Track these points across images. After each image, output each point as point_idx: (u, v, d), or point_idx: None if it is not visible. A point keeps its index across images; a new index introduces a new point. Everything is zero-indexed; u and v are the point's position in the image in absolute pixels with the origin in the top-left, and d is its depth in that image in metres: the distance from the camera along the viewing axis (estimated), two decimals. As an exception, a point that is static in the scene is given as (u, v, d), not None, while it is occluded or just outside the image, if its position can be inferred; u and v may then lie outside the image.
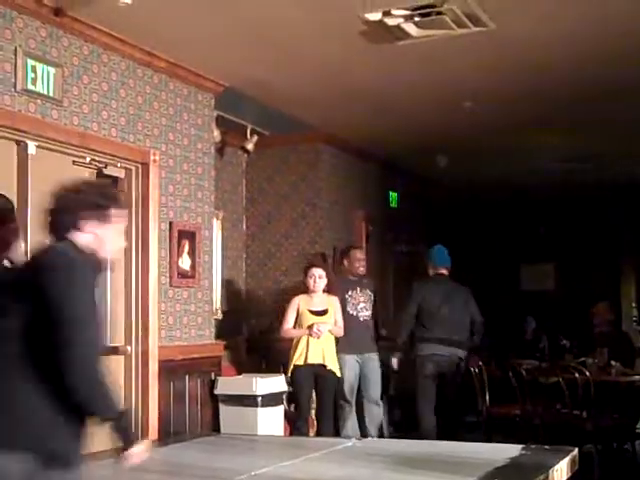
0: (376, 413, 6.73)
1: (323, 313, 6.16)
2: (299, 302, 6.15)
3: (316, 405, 6.24)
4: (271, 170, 7.74)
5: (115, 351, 5.20)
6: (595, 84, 6.13)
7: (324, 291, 6.21)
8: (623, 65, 5.71)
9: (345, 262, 6.90)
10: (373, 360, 6.71)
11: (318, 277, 6.14)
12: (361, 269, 6.85)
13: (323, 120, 7.19)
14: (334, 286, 6.41)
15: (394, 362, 6.90)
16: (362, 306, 6.72)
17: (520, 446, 4.34)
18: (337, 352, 6.30)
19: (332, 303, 6.22)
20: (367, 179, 8.53)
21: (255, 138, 7.10)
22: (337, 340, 6.29)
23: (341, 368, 6.34)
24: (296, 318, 6.13)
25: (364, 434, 6.37)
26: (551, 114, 7.03)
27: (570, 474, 4.02)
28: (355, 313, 6.64)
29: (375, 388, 6.71)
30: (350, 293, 6.70)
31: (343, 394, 6.51)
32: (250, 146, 7.10)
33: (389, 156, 8.58)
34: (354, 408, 6.62)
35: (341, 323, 6.25)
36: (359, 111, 6.97)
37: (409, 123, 7.38)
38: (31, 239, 4.58)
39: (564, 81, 6.12)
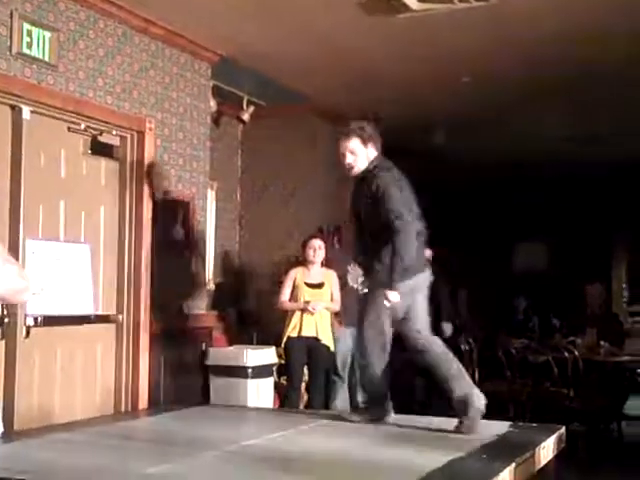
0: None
1: (319, 286, 6.17)
2: (296, 274, 6.16)
3: (308, 378, 6.27)
4: (267, 141, 7.72)
5: (106, 319, 5.22)
6: (595, 61, 6.13)
7: (322, 265, 6.21)
8: (625, 43, 5.70)
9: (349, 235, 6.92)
10: None
11: (317, 247, 6.14)
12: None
13: (320, 93, 7.17)
14: (332, 260, 6.42)
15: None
16: (362, 279, 6.72)
17: (508, 423, 4.39)
18: (340, 325, 6.34)
19: (329, 277, 6.22)
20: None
21: (251, 109, 7.08)
22: (337, 313, 6.33)
23: (336, 341, 6.38)
24: (292, 290, 6.14)
25: (354, 408, 6.40)
26: (550, 91, 7.02)
27: (556, 452, 4.08)
28: (355, 286, 6.64)
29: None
30: (352, 265, 6.70)
31: (335, 367, 6.54)
32: (246, 117, 7.08)
33: (386, 131, 8.53)
34: (346, 382, 6.65)
35: (338, 298, 6.26)
36: (357, 84, 6.95)
37: (407, 98, 7.36)
38: (24, 202, 4.58)
39: (564, 57, 6.11)
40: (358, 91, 7.15)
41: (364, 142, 4.36)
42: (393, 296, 4.14)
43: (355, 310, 6.51)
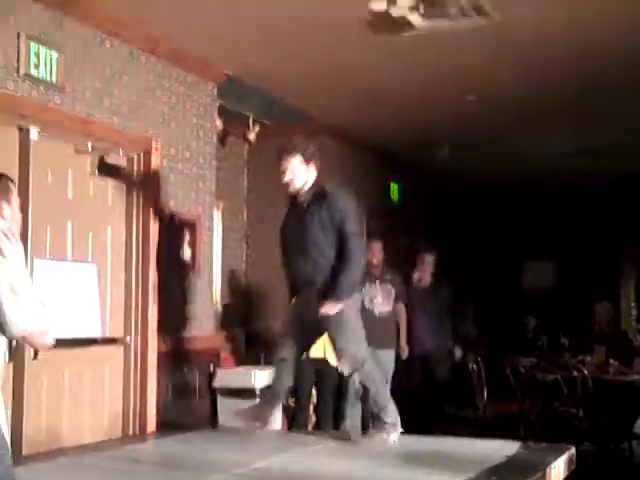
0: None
1: None
2: None
3: (316, 400, 6.23)
4: (272, 161, 7.69)
5: (114, 342, 5.20)
6: (599, 76, 6.13)
7: None
8: (629, 57, 5.71)
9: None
10: (386, 356, 6.69)
11: None
12: (375, 261, 6.84)
13: (325, 112, 7.19)
14: None
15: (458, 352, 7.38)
16: (379, 300, 6.70)
17: (518, 443, 4.36)
18: None
19: None
20: (368, 171, 8.52)
21: (257, 128, 7.09)
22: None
23: None
24: None
25: (365, 430, 6.36)
26: (555, 107, 7.02)
27: (567, 473, 4.04)
28: (371, 307, 6.62)
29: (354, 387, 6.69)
30: (367, 286, 6.68)
31: (347, 386, 6.47)
32: (252, 136, 7.09)
33: (391, 148, 8.57)
34: (359, 403, 6.57)
35: None
36: (361, 103, 6.97)
37: (411, 116, 7.37)
38: (32, 223, 4.59)
39: (569, 73, 6.11)
40: (363, 109, 7.16)
41: (306, 160, 4.44)
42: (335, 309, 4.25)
43: (370, 329, 6.54)
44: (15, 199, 2.77)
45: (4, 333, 2.46)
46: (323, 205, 4.33)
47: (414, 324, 7.08)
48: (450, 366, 7.43)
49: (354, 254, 4.28)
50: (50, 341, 2.53)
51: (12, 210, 2.71)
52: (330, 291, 4.24)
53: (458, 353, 7.45)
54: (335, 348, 4.34)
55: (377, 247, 6.95)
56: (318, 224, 4.31)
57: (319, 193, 4.39)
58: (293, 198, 4.49)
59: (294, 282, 4.46)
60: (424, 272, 7.52)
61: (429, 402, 6.94)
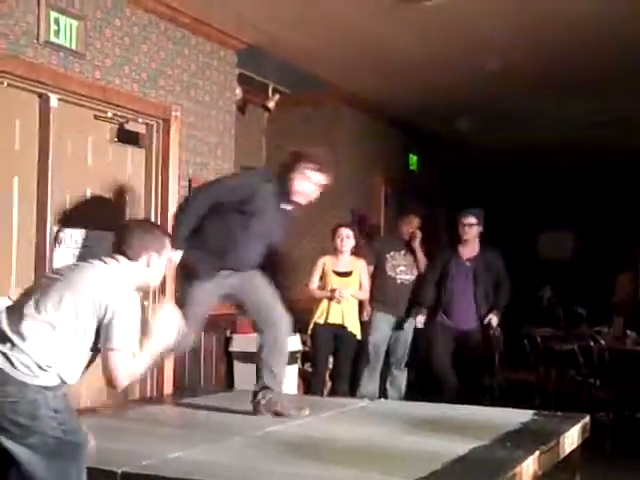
0: (399, 378, 6.76)
1: (348, 274, 6.16)
2: (324, 262, 6.15)
3: (333, 365, 6.29)
4: (292, 129, 7.71)
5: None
6: (626, 44, 6.01)
7: (351, 253, 6.20)
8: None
9: (398, 225, 6.89)
10: (406, 324, 6.70)
11: (346, 237, 6.12)
12: (409, 230, 6.74)
13: (345, 80, 7.15)
14: (362, 249, 6.41)
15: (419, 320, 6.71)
16: (402, 269, 6.68)
17: (532, 412, 4.38)
18: (372, 310, 6.39)
19: (358, 265, 6.21)
20: (387, 141, 8.49)
21: (277, 97, 7.06)
22: (374, 298, 6.36)
23: (371, 327, 6.39)
24: (321, 277, 6.14)
25: (383, 397, 6.40)
26: (579, 76, 6.92)
27: (581, 441, 4.06)
28: (393, 274, 6.61)
29: (402, 352, 6.72)
30: (392, 254, 6.67)
31: (367, 354, 6.51)
32: (271, 104, 7.06)
33: (410, 118, 8.51)
34: (378, 370, 6.60)
35: (366, 286, 6.24)
36: (382, 72, 6.92)
37: (432, 85, 7.31)
38: (52, 189, 4.62)
39: (594, 41, 6.00)
40: (383, 79, 7.11)
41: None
42: None
43: (393, 298, 6.56)
44: (166, 254, 3.04)
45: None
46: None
47: (453, 295, 6.59)
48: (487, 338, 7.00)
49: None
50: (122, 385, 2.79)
51: (158, 264, 2.99)
52: None
53: (495, 321, 6.91)
54: None
55: (416, 221, 6.82)
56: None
57: None
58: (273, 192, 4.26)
59: (231, 262, 4.24)
60: (470, 239, 6.64)
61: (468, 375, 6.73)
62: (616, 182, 10.86)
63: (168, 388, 5.32)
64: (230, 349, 6.02)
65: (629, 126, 8.59)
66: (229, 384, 5.96)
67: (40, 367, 2.61)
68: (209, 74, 5.90)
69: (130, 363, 2.73)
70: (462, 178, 10.22)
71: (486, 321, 6.55)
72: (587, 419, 4.20)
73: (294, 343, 6.22)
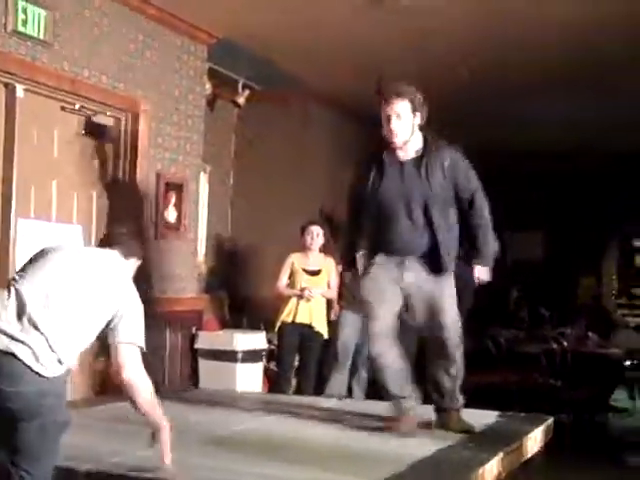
0: (363, 376, 6.76)
1: (317, 273, 6.14)
2: (293, 260, 6.13)
3: (299, 364, 6.27)
4: (261, 126, 7.68)
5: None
6: (622, 49, 6.05)
7: (320, 251, 6.19)
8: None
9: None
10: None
11: (316, 235, 6.10)
12: None
13: (317, 78, 7.12)
14: (330, 248, 6.39)
15: None
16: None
17: (496, 413, 4.41)
18: (340, 309, 6.35)
19: (327, 264, 6.19)
20: (363, 143, 8.47)
21: (246, 92, 7.04)
22: (342, 297, 6.33)
23: (340, 325, 6.37)
24: (290, 275, 6.11)
25: (349, 396, 6.40)
26: (551, 79, 6.95)
27: (544, 442, 4.10)
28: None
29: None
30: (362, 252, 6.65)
31: (335, 352, 6.49)
32: (241, 100, 7.04)
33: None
34: (346, 370, 6.58)
35: (334, 285, 6.23)
36: (355, 70, 6.88)
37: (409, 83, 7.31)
38: (16, 181, 4.56)
39: (589, 42, 5.98)
40: (357, 77, 7.10)
41: (414, 109, 3.77)
42: (486, 273, 3.99)
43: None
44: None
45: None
46: (440, 165, 3.79)
47: None
48: None
49: (489, 219, 4.01)
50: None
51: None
52: (478, 256, 3.93)
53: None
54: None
55: None
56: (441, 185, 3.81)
57: (429, 148, 3.82)
58: (387, 153, 3.84)
59: (387, 248, 3.87)
60: None
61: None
62: (589, 185, 10.95)
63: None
64: (195, 346, 5.98)
65: (605, 130, 8.66)
66: (194, 382, 5.92)
67: (59, 360, 2.62)
68: (179, 68, 5.86)
69: (139, 360, 2.84)
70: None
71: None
72: (550, 421, 4.25)
73: (260, 341, 6.22)
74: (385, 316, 3.86)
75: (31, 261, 2.81)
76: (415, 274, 3.84)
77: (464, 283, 6.67)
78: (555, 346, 6.41)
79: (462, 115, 8.22)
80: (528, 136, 9.22)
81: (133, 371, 2.81)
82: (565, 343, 6.50)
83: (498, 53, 6.33)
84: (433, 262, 3.82)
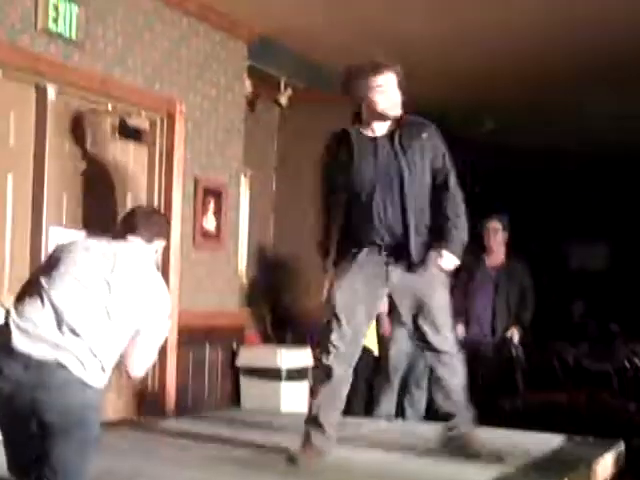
0: (418, 398, 6.71)
1: None
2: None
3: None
4: (306, 127, 7.69)
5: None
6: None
7: None
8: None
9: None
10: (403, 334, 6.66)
11: None
12: None
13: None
14: None
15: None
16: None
17: (562, 437, 4.35)
18: (391, 322, 6.30)
19: None
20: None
21: (289, 92, 7.05)
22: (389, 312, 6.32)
23: (388, 342, 6.35)
24: None
25: (400, 417, 6.37)
26: (610, 68, 6.85)
27: (615, 469, 4.03)
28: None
29: (421, 369, 6.68)
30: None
31: (386, 371, 6.46)
32: (284, 100, 7.06)
33: (429, 116, 8.47)
34: (396, 389, 6.55)
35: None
36: (404, 68, 6.88)
37: (455, 80, 7.29)
38: (47, 187, 4.63)
39: (623, 34, 5.95)
40: (407, 75, 7.07)
41: (399, 85, 3.87)
42: (452, 262, 3.83)
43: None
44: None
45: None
46: (417, 139, 3.81)
47: (475, 305, 6.65)
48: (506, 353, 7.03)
49: (462, 205, 3.93)
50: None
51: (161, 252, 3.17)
52: (446, 239, 3.79)
53: (516, 337, 6.71)
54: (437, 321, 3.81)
55: None
56: (416, 162, 3.79)
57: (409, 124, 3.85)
58: (357, 130, 3.89)
59: (367, 234, 3.79)
60: (495, 247, 6.71)
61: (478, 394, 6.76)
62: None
63: (170, 405, 5.31)
64: (237, 363, 6.00)
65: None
66: (235, 401, 5.93)
67: (102, 367, 2.66)
68: (217, 66, 5.90)
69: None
70: (484, 181, 10.16)
71: (508, 335, 6.56)
72: (622, 446, 4.17)
73: (306, 357, 6.21)
74: (349, 335, 3.78)
75: (52, 263, 2.80)
76: (399, 272, 3.76)
77: (526, 285, 6.66)
78: (627, 364, 6.29)
79: (515, 115, 8.16)
80: (595, 138, 9.10)
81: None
82: (638, 361, 6.37)
83: (550, 42, 6.26)
84: (410, 255, 3.72)
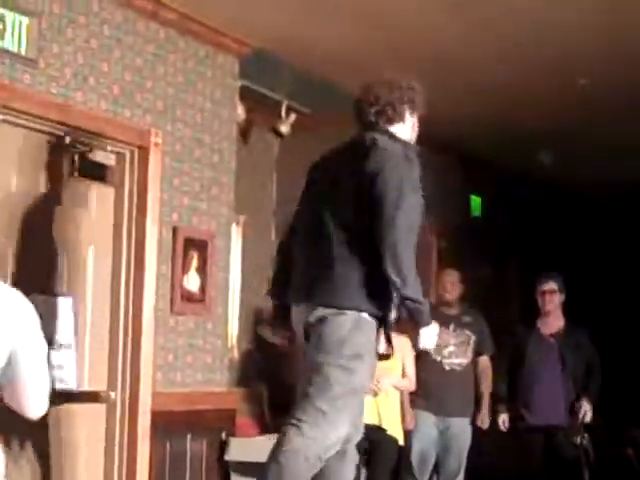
0: None
1: (386, 357, 6.11)
2: None
3: (367, 478, 6.23)
4: (312, 161, 7.73)
5: (94, 398, 5.23)
6: None
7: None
8: None
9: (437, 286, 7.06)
10: (460, 428, 6.67)
11: None
12: (447, 296, 7.04)
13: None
14: (405, 323, 6.39)
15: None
16: (451, 350, 6.63)
17: None
18: (413, 408, 6.43)
19: (401, 345, 6.16)
20: (441, 177, 8.49)
21: (292, 117, 7.10)
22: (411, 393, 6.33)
23: (415, 428, 6.33)
24: None
25: None
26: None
27: None
28: (439, 359, 6.59)
29: (455, 467, 6.68)
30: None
31: (410, 467, 6.46)
32: (285, 128, 7.10)
33: (472, 149, 8.54)
34: None
35: (412, 374, 6.20)
36: (432, 86, 6.90)
37: (500, 104, 7.35)
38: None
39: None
40: (434, 95, 7.11)
41: None
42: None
43: (441, 391, 6.52)
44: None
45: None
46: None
47: (535, 385, 6.84)
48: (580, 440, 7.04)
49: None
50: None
51: None
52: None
53: (589, 415, 6.84)
54: None
55: (452, 278, 7.01)
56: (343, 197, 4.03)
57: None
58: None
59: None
60: (552, 311, 7.01)
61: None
62: None
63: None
64: (226, 457, 5.97)
65: None
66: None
67: None
68: (201, 87, 5.96)
69: None
70: (543, 225, 10.17)
71: (581, 413, 6.71)
72: None
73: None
74: None
75: None
76: None
77: (590, 354, 6.74)
78: None
79: (576, 145, 8.22)
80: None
81: None
82: None
83: (624, 66, 6.34)
84: None
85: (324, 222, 3.96)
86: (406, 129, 4.24)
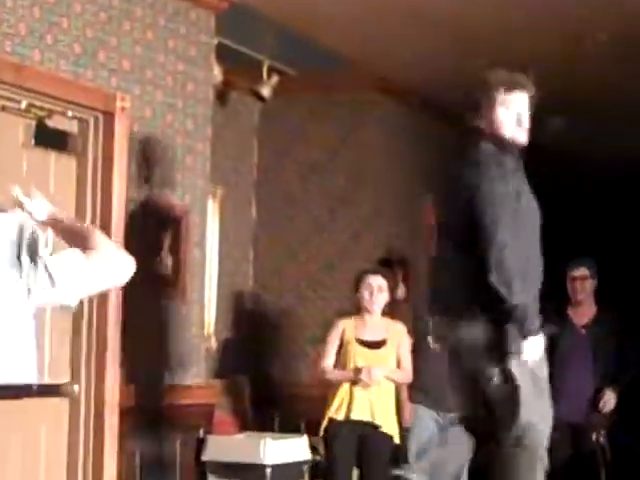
0: None
1: (379, 345, 6.13)
2: (344, 327, 6.14)
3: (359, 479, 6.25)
4: (297, 128, 7.72)
5: (55, 392, 5.22)
6: None
7: (384, 313, 6.17)
8: None
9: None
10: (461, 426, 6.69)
11: (377, 289, 6.12)
12: None
13: (376, 56, 7.18)
14: (401, 309, 6.39)
15: None
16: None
17: None
18: (411, 400, 6.46)
19: (395, 332, 6.17)
20: (442, 147, 8.48)
21: (275, 79, 7.09)
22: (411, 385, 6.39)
23: (411, 428, 6.43)
24: (340, 349, 6.13)
25: None
26: None
27: None
28: (438, 349, 6.61)
29: (455, 468, 6.69)
30: (437, 318, 6.68)
31: (407, 464, 6.48)
32: (266, 91, 7.09)
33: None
34: None
35: (408, 364, 6.21)
36: (429, 44, 6.94)
37: (505, 64, 7.32)
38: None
39: None
40: (432, 55, 7.12)
41: None
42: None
43: (439, 384, 6.51)
44: None
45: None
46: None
47: (564, 377, 6.84)
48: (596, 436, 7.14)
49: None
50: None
51: None
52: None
53: (612, 403, 7.01)
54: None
55: None
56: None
57: None
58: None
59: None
60: (584, 300, 7.15)
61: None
62: None
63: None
64: (203, 457, 5.98)
65: None
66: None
67: None
68: (173, 45, 5.93)
69: None
70: (561, 205, 10.16)
71: (601, 404, 6.87)
72: None
73: (299, 448, 6.18)
74: None
75: None
76: None
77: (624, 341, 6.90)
78: None
79: (595, 113, 8.22)
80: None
81: None
82: None
83: None
84: None
85: None
86: None
